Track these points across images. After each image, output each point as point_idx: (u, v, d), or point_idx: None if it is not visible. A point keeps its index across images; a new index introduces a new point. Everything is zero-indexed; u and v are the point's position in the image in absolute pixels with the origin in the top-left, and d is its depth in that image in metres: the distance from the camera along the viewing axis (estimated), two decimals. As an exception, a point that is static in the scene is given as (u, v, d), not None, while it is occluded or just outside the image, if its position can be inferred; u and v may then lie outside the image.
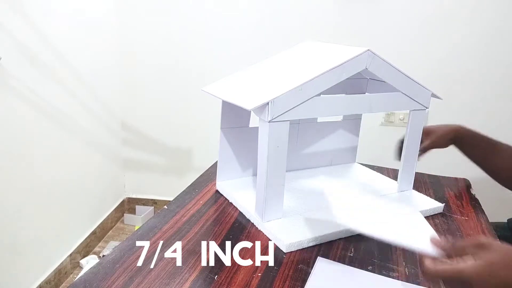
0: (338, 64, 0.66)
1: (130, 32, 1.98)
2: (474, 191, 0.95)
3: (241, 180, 0.87)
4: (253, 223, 0.72)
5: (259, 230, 0.70)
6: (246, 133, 0.84)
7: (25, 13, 1.39)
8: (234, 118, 0.81)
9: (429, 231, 0.59)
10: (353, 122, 0.98)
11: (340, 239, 0.69)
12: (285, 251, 0.65)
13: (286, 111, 0.64)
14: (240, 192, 0.81)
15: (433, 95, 0.80)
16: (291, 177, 0.90)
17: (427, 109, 0.80)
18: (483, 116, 1.84)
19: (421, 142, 0.94)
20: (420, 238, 0.55)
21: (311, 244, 0.67)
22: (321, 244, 0.67)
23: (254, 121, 0.77)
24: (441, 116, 1.82)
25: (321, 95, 0.69)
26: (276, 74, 0.75)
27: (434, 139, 0.92)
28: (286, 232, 0.68)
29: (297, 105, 0.64)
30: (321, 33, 1.84)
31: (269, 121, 0.63)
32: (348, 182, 0.91)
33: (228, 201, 0.81)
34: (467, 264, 0.48)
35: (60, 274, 1.68)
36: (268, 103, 0.62)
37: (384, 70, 0.72)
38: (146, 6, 1.94)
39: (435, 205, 0.82)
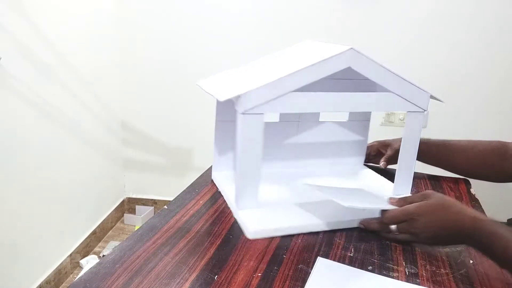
0: (317, 61, 0.67)
1: (130, 32, 1.99)
2: (474, 191, 0.95)
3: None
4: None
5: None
6: None
7: (25, 13, 1.39)
8: (229, 111, 0.83)
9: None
10: (360, 124, 0.96)
11: (341, 236, 0.69)
12: (249, 237, 0.67)
13: (260, 104, 0.66)
14: (229, 182, 0.83)
15: (433, 97, 0.78)
16: (291, 175, 0.90)
17: (425, 111, 0.78)
18: (483, 116, 1.85)
19: (380, 152, 1.01)
20: (382, 201, 0.72)
21: (278, 234, 0.68)
22: (321, 244, 0.67)
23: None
24: (441, 116, 1.82)
25: (299, 92, 0.69)
26: (264, 71, 0.76)
27: (396, 147, 0.96)
28: (255, 220, 0.69)
29: (271, 99, 0.66)
30: (322, 33, 1.84)
31: (242, 113, 0.66)
32: (342, 181, 0.90)
33: (228, 201, 0.82)
34: (411, 205, 0.66)
35: (60, 274, 1.68)
36: (240, 95, 0.64)
37: (371, 69, 0.71)
38: (146, 6, 1.94)
39: None
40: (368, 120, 0.97)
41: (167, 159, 2.18)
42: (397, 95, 0.74)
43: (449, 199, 0.67)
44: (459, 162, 0.96)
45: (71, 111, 1.68)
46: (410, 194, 0.85)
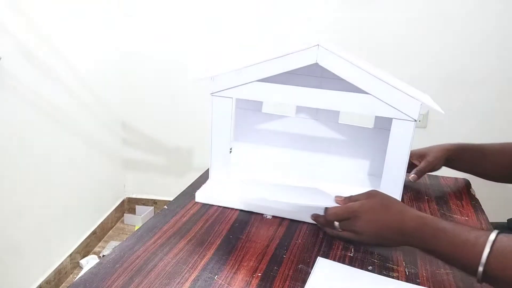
0: (281, 55, 0.71)
1: (130, 32, 1.98)
2: (474, 191, 0.95)
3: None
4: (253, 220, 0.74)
5: (260, 230, 0.71)
6: (258, 116, 0.95)
7: (25, 13, 1.39)
8: (247, 101, 0.92)
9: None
10: (387, 133, 0.85)
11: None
12: (196, 200, 0.78)
13: (227, 89, 0.74)
14: None
15: (426, 106, 0.70)
16: (294, 170, 0.90)
17: (415, 121, 0.69)
18: (483, 117, 1.85)
19: (413, 164, 0.92)
20: (328, 199, 0.75)
21: (221, 204, 0.77)
22: (321, 244, 0.68)
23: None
24: (442, 117, 1.82)
25: (264, 82, 0.72)
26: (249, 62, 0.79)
27: (430, 160, 0.91)
28: (208, 188, 0.79)
29: (237, 85, 0.74)
30: (323, 33, 1.84)
31: (212, 94, 0.75)
32: (339, 186, 0.84)
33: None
34: (354, 203, 0.66)
35: (60, 274, 1.68)
36: (211, 77, 0.73)
37: (341, 67, 0.69)
38: (147, 7, 1.94)
39: None
40: None
41: (167, 159, 2.18)
42: (378, 98, 0.68)
43: (393, 199, 0.66)
44: (489, 167, 0.92)
45: (71, 111, 1.68)
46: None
